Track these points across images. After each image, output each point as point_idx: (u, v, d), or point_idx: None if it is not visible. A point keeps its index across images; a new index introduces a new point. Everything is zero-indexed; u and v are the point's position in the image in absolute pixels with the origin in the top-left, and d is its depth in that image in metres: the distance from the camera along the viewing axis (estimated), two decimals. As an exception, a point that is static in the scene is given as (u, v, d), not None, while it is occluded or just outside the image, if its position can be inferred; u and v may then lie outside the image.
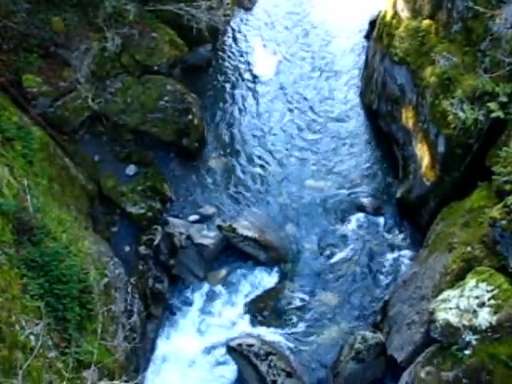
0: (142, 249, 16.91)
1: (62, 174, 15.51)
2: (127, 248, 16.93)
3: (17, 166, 13.43)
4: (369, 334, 15.59)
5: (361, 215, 18.47)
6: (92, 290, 13.12)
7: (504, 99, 14.02)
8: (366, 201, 18.64)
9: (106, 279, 14.35)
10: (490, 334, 12.39)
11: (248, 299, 17.13)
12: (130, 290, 15.44)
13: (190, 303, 17.10)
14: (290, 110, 20.84)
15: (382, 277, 17.29)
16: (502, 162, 13.35)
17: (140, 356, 15.28)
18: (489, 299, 12.57)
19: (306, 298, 17.07)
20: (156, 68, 18.27)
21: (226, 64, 21.92)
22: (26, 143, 14.26)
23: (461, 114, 14.48)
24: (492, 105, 14.12)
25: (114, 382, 11.84)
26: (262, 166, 19.47)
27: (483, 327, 12.43)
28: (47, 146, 15.32)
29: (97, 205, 16.83)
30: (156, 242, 17.06)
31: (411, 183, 17.31)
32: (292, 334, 16.49)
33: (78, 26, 16.88)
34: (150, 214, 17.34)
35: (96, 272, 13.79)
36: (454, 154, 15.25)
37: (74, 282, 12.46)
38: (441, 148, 15.46)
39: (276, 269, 17.57)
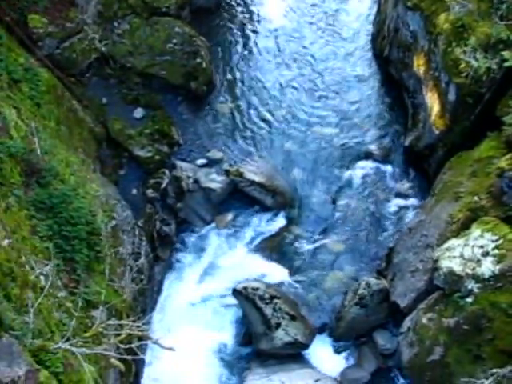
0: (150, 192, 16.96)
1: (69, 117, 15.45)
2: (134, 191, 16.98)
3: (24, 108, 13.36)
4: (373, 281, 15.80)
5: (368, 162, 18.42)
6: (100, 232, 13.25)
7: (519, 48, 13.79)
8: (373, 148, 18.56)
9: (113, 222, 14.47)
10: (492, 282, 12.56)
11: (254, 243, 17.31)
12: (137, 232, 15.58)
13: (196, 246, 17.30)
14: (299, 55, 20.50)
15: (387, 224, 17.38)
16: (512, 112, 13.24)
17: (147, 297, 15.57)
18: (493, 249, 12.69)
19: (312, 243, 17.22)
20: (164, 9, 17.95)
21: (236, 6, 21.44)
22: (33, 85, 14.13)
23: (473, 63, 14.26)
24: (506, 53, 13.86)
25: (122, 321, 12.10)
26: (270, 111, 19.31)
27: (486, 276, 12.61)
28: (54, 89, 15.19)
29: (104, 148, 16.80)
30: (163, 186, 17.10)
31: (420, 132, 17.19)
32: (297, 278, 16.72)
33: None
34: (157, 157, 17.32)
35: (104, 214, 13.90)
36: (465, 103, 15.08)
37: (82, 224, 12.58)
38: (451, 96, 15.27)
39: (282, 214, 17.66)
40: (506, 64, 13.90)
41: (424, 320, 13.68)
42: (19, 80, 13.86)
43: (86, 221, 12.74)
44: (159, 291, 16.50)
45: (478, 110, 15.05)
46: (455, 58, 14.78)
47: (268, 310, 15.42)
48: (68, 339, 9.80)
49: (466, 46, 14.41)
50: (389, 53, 19.10)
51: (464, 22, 14.72)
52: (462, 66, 14.64)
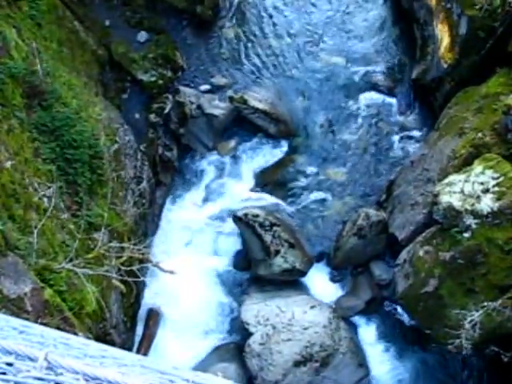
0: (152, 117, 16.88)
1: (71, 38, 15.15)
2: (137, 115, 16.89)
3: (24, 28, 13.08)
4: (372, 212, 15.96)
5: (374, 94, 18.18)
6: (102, 155, 13.28)
7: (537, -20, 13.38)
8: (379, 79, 18.27)
9: (116, 145, 14.47)
10: (490, 219, 12.69)
11: (256, 171, 17.35)
12: (139, 156, 15.60)
13: (198, 172, 17.34)
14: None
15: (390, 156, 17.35)
16: (525, 47, 12.98)
17: (148, 221, 15.77)
18: (493, 186, 12.76)
19: (314, 172, 17.25)
20: None
21: None
22: (33, 4, 13.75)
23: (488, -6, 13.88)
24: (524, -15, 13.49)
25: (123, 244, 12.33)
26: (276, 38, 18.91)
27: (484, 212, 12.73)
28: (56, 8, 14.82)
29: (107, 71, 16.56)
30: (166, 111, 16.99)
31: (428, 64, 16.90)
32: (297, 207, 16.87)
33: None
34: (160, 81, 17.12)
35: (106, 138, 13.87)
36: (476, 37, 14.75)
37: (85, 147, 12.59)
38: (462, 29, 14.94)
39: (285, 142, 17.62)
40: (522, -4, 13.57)
41: (420, 253, 13.91)
42: (19, -2, 13.52)
43: (88, 144, 12.75)
44: (160, 215, 16.68)
45: (489, 45, 14.73)
46: (469, -12, 14.38)
47: (267, 237, 15.65)
48: (71, 260, 10.04)
49: (481, -24, 13.99)
50: (400, -18, 18.54)
51: (481, -49, 14.23)
52: (476, -3, 14.24)
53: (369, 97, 18.17)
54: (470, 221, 12.87)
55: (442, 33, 15.81)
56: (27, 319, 7.70)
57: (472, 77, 15.25)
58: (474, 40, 14.86)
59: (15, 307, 8.24)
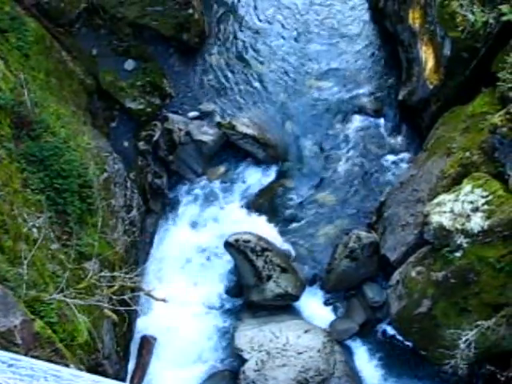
0: (141, 144, 16.92)
1: (59, 68, 15.21)
2: (126, 143, 16.92)
3: (12, 59, 13.13)
4: (363, 234, 15.95)
5: (361, 116, 18.32)
6: (92, 184, 13.26)
7: (517, 1, 13.60)
8: (367, 102, 18.43)
9: (105, 174, 14.47)
10: (480, 237, 12.73)
11: (246, 196, 17.35)
12: (129, 185, 15.59)
13: (188, 199, 17.33)
14: (293, 7, 20.10)
15: (379, 178, 17.40)
16: (508, 67, 13.11)
17: (139, 249, 15.69)
18: (483, 204, 12.82)
19: (304, 196, 17.27)
20: (155, -42, 17.53)
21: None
22: (20, 35, 13.82)
23: (470, 16, 14.07)
24: (504, 7, 13.67)
25: (115, 273, 12.23)
26: (263, 64, 19.07)
27: (475, 231, 12.77)
28: (43, 39, 14.91)
29: (95, 100, 16.63)
30: (155, 138, 17.04)
31: (414, 86, 17.06)
32: (288, 231, 16.84)
33: None
34: (149, 109, 17.20)
35: (95, 167, 13.88)
36: (460, 58, 14.94)
37: (74, 176, 12.58)
38: (446, 51, 15.11)
39: (274, 167, 17.66)
40: (504, 18, 13.73)
41: (413, 273, 13.90)
42: (5, 30, 13.58)
43: (77, 173, 12.74)
44: (151, 243, 16.60)
45: (473, 65, 14.92)
46: (452, 11, 14.55)
47: (259, 262, 15.60)
48: (62, 290, 9.93)
49: (463, -1, 14.21)
50: (384, 5, 18.77)
51: (461, -25, 14.47)
52: (459, 19, 14.43)
53: (356, 119, 18.31)
54: (461, 240, 12.90)
55: (427, 55, 15.99)
56: (17, 352, 7.58)
57: (458, 97, 15.41)
58: (458, 61, 15.04)
59: (5, 340, 8.12)
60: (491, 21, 13.95)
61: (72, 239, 12.04)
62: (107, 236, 13.42)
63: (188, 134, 17.29)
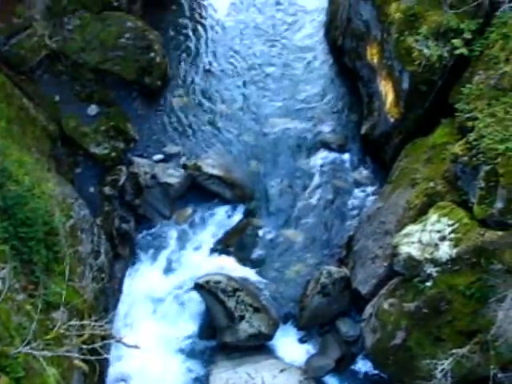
0: (107, 189, 16.82)
1: (21, 115, 15.11)
2: (92, 189, 16.80)
3: (-29, 108, 13.02)
4: (334, 269, 15.96)
5: (326, 152, 18.50)
6: (58, 231, 13.07)
7: (468, 36, 14.05)
8: (330, 137, 18.66)
9: (71, 221, 14.31)
10: (449, 266, 12.84)
11: (215, 237, 17.26)
12: (96, 231, 15.43)
13: (157, 242, 17.17)
14: (253, 46, 20.44)
15: (346, 213, 17.51)
16: (464, 98, 13.48)
17: (109, 296, 15.41)
18: (449, 233, 12.97)
19: (273, 234, 17.25)
20: (115, 4, 17.73)
21: (189, -1, 21.28)
22: (-20, 83, 13.77)
23: (425, 51, 14.47)
24: (456, 41, 14.13)
25: (84, 321, 11.95)
26: (225, 103, 19.24)
27: (443, 260, 12.88)
28: (4, 87, 14.83)
29: (59, 146, 16.52)
30: (121, 183, 16.96)
31: (375, 120, 17.38)
32: (259, 270, 16.75)
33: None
34: (113, 154, 17.15)
35: (61, 214, 13.70)
36: (418, 91, 15.29)
37: (39, 224, 12.36)
38: (405, 85, 15.46)
39: (242, 206, 17.67)
40: (457, 51, 14.17)
41: (385, 305, 13.90)
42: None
43: (42, 221, 12.52)
44: (121, 289, 16.34)
45: (432, 98, 15.29)
46: (407, 46, 14.96)
47: (231, 303, 15.44)
48: (29, 343, 9.63)
49: (417, 34, 14.59)
50: (342, 43, 19.21)
51: (415, 11, 14.90)
52: (415, 54, 14.82)
53: (321, 155, 18.49)
54: (431, 269, 13.00)
55: (386, 89, 16.35)
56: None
57: (419, 129, 15.72)
58: (417, 94, 15.39)
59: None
60: (445, 54, 14.37)
61: (39, 289, 11.76)
62: (75, 283, 13.15)
63: (154, 177, 17.25)
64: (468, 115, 13.21)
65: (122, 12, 17.81)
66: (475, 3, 13.82)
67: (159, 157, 17.87)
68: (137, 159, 17.48)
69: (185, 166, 17.59)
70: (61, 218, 13.51)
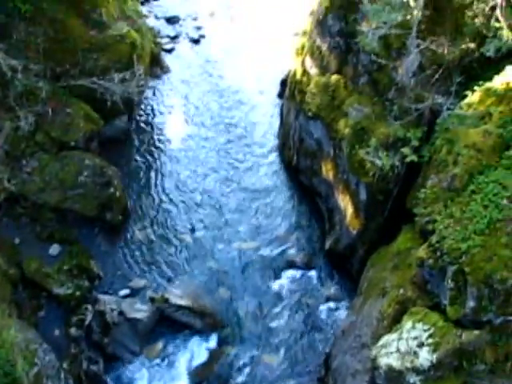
0: (73, 330, 16.28)
1: (-20, 261, 14.84)
2: (57, 332, 16.20)
3: None
4: (315, 391, 15.41)
5: (293, 271, 18.53)
6: (21, 381, 12.47)
7: (416, 143, 14.69)
8: (296, 256, 18.75)
9: (35, 368, 13.71)
10: (432, 373, 12.49)
11: (188, 370, 16.65)
12: (62, 376, 14.79)
13: (128, 381, 16.42)
14: (210, 174, 20.91)
15: (320, 330, 17.27)
16: (421, 203, 13.81)
17: None
18: (427, 338, 12.73)
19: (248, 361, 16.77)
20: (73, 143, 18.09)
21: (143, 134, 21.89)
22: None
23: (378, 162, 15.00)
24: (405, 150, 14.73)
25: None
26: (187, 233, 19.30)
27: (425, 367, 12.54)
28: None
29: (20, 290, 16.12)
30: (87, 322, 16.50)
31: (338, 234, 17.58)
32: (237, 399, 16.08)
33: (-12, 107, 16.55)
34: (78, 293, 16.76)
35: (24, 362, 13.16)
36: (376, 201, 15.67)
37: (0, 375, 11.77)
38: (362, 196, 15.86)
39: (214, 335, 17.24)
40: (408, 159, 14.73)
41: (373, 423, 13.31)
42: None
43: (3, 372, 12.04)
44: None
45: (390, 206, 15.66)
46: (360, 159, 15.52)
47: None
48: None
49: (368, 147, 15.21)
50: (297, 162, 19.83)
51: (363, 125, 15.64)
52: (368, 166, 15.36)
53: (288, 275, 18.49)
54: (414, 378, 12.60)
55: (345, 202, 16.72)
56: None
57: (381, 238, 15.94)
58: (375, 204, 15.76)
59: None
60: (397, 163, 14.92)
61: None
62: None
63: (121, 313, 16.85)
64: (427, 219, 13.47)
65: (79, 151, 18.14)
66: (417, 113, 14.58)
67: (125, 292, 17.59)
68: (102, 296, 17.12)
69: (152, 299, 17.28)
70: (24, 367, 12.93)
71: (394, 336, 13.34)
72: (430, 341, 12.66)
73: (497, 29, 13.29)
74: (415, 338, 12.91)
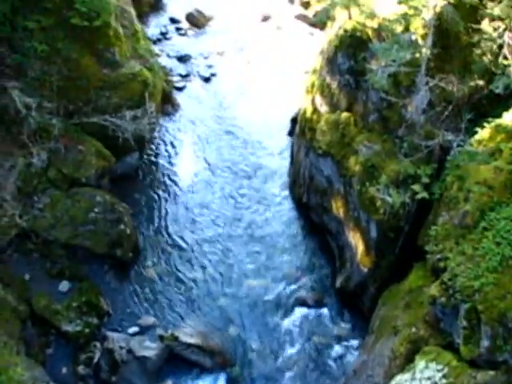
0: (81, 368, 16.19)
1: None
2: (65, 370, 16.10)
3: None
4: None
5: (303, 309, 18.34)
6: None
7: (426, 180, 14.65)
8: (306, 294, 18.59)
9: (42, 407, 13.49)
10: (447, 413, 12.21)
11: (197, 410, 16.38)
12: (69, 415, 14.52)
13: (136, 424, 16.18)
14: (220, 212, 20.91)
15: (331, 369, 16.97)
16: (433, 240, 13.71)
17: None
18: (440, 379, 12.50)
19: (258, 401, 16.48)
20: (84, 180, 18.23)
21: (154, 170, 22.03)
22: None
23: (388, 199, 14.96)
24: (416, 187, 14.70)
25: None
26: (198, 270, 19.21)
27: (439, 408, 12.27)
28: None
29: (29, 327, 16.05)
30: (95, 360, 16.40)
31: (349, 271, 17.43)
32: None
33: (2, 143, 16.72)
34: (87, 330, 16.68)
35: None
36: (387, 238, 15.57)
37: (6, 413, 11.63)
38: (373, 233, 15.77)
39: (223, 374, 17.00)
40: (418, 196, 14.69)
41: None
42: None
43: (10, 410, 11.80)
44: None
45: (401, 243, 15.55)
46: (371, 196, 15.49)
47: None
48: None
49: (378, 184, 15.21)
50: (307, 199, 19.81)
51: (373, 163, 15.65)
52: (378, 203, 15.32)
53: (299, 313, 18.29)
54: (428, 419, 12.34)
55: (356, 239, 16.62)
56: None
57: (393, 275, 15.79)
58: (386, 241, 15.66)
59: None
60: (408, 200, 14.87)
61: None
62: None
63: (130, 351, 16.69)
64: (439, 256, 13.37)
65: (90, 187, 18.25)
66: (427, 150, 14.59)
67: (134, 329, 17.43)
68: (111, 334, 16.99)
69: (161, 338, 17.12)
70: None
71: (406, 376, 13.10)
72: (444, 381, 12.42)
73: (505, 66, 13.42)
74: (428, 378, 12.67)
